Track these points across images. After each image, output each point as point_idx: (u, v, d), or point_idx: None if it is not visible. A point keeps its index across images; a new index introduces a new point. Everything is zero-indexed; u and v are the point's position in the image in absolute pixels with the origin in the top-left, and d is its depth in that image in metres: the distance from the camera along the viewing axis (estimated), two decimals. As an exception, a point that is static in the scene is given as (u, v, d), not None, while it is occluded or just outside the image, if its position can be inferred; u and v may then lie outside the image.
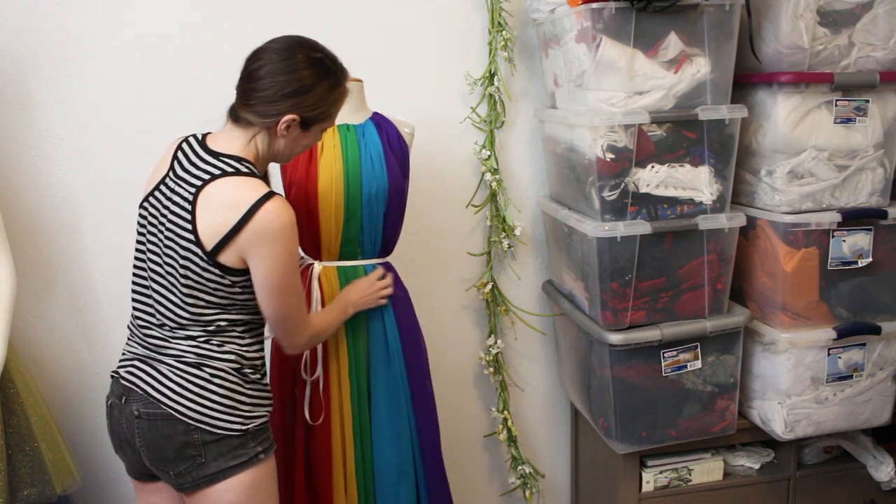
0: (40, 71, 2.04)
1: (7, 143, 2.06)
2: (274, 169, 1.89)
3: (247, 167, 1.45)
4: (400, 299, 1.87)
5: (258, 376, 1.54)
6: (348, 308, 1.74)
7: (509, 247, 2.34)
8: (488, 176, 2.27)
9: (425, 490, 1.89)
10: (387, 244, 1.87)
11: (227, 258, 1.41)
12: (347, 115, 1.85)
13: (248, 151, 1.48)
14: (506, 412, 2.39)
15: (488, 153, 2.27)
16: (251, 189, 1.41)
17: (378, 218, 1.81)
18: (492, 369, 2.38)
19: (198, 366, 1.47)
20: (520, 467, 2.40)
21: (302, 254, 1.89)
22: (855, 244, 1.98)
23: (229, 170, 1.43)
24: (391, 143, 1.84)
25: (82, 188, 2.12)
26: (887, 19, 1.91)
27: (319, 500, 1.83)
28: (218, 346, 1.48)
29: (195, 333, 1.48)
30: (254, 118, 1.45)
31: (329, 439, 1.81)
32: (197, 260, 1.42)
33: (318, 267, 1.83)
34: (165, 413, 1.45)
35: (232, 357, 1.48)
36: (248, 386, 1.50)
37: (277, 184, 1.87)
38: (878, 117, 1.96)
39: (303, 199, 1.77)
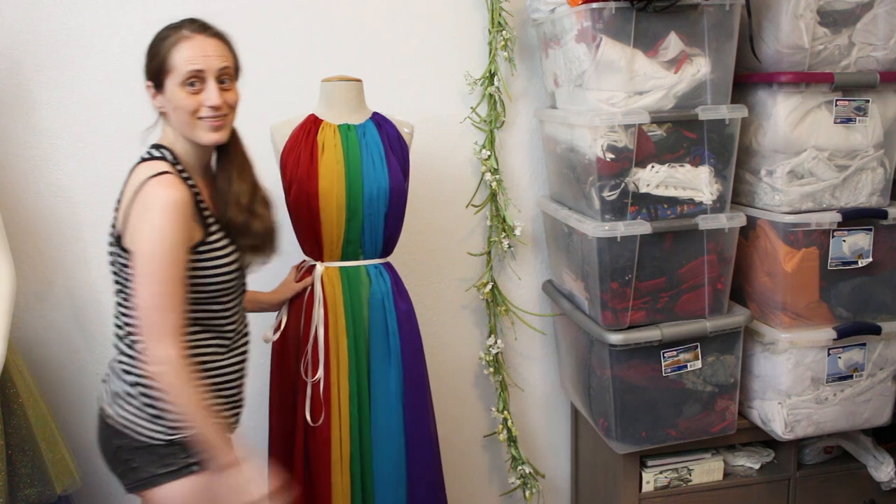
0: (41, 71, 2.04)
1: (7, 143, 2.06)
2: (274, 168, 1.89)
3: (161, 152, 1.46)
4: (401, 301, 1.86)
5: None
6: (216, 446, 1.41)
7: (509, 247, 2.34)
8: (488, 176, 2.27)
9: (422, 492, 1.89)
10: (387, 244, 1.86)
11: (127, 241, 1.41)
12: (347, 114, 1.85)
13: (165, 138, 1.50)
14: (506, 412, 2.39)
15: (488, 153, 2.27)
16: (146, 171, 1.42)
17: (379, 218, 1.81)
18: (492, 369, 2.38)
19: (126, 371, 1.48)
20: (520, 467, 2.40)
21: (304, 256, 1.90)
22: (855, 244, 1.98)
23: (146, 157, 1.46)
24: (391, 143, 1.84)
25: (82, 188, 2.12)
26: (887, 19, 1.91)
27: (318, 501, 1.83)
28: (142, 350, 1.45)
29: (130, 334, 1.48)
30: None
31: (328, 440, 1.80)
32: (114, 246, 1.45)
33: (320, 268, 1.83)
34: (102, 415, 1.50)
35: None
36: None
37: (277, 184, 1.87)
38: (878, 117, 1.96)
39: (304, 199, 1.77)
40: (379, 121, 1.87)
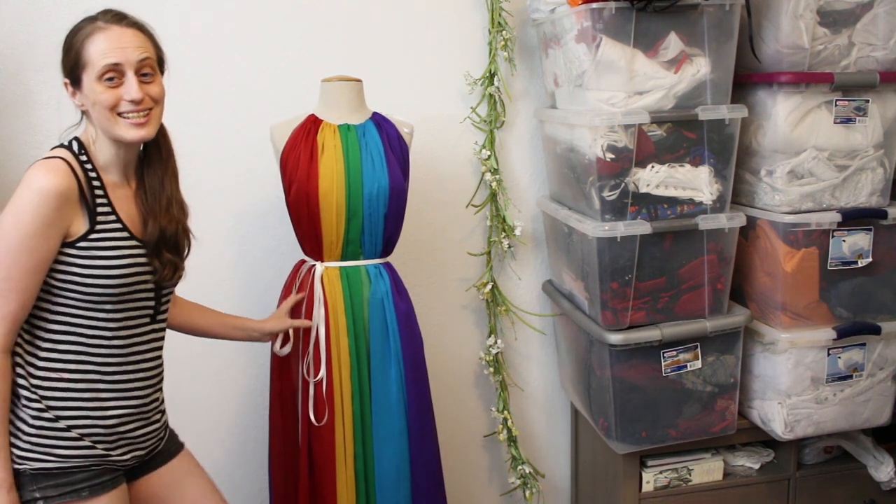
0: (40, 71, 2.04)
1: (7, 143, 2.06)
2: (274, 169, 1.89)
3: (69, 142, 1.39)
4: (401, 301, 1.87)
5: (46, 405, 1.35)
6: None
7: (509, 247, 2.34)
8: (488, 176, 2.27)
9: (424, 490, 1.89)
10: (387, 244, 1.87)
11: None
12: (347, 114, 1.85)
13: (85, 134, 1.42)
14: (506, 412, 2.39)
15: (488, 153, 2.27)
16: (43, 155, 1.36)
17: (378, 218, 1.81)
18: (492, 369, 2.38)
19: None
20: (520, 467, 2.40)
21: (304, 255, 1.89)
22: (855, 244, 1.98)
23: (55, 145, 1.40)
24: (391, 143, 1.84)
25: (82, 188, 2.11)
26: (887, 19, 1.91)
27: (322, 499, 1.83)
28: (13, 356, 1.36)
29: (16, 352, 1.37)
30: None
31: (332, 439, 1.81)
32: None
33: (320, 268, 1.83)
34: None
35: (17, 375, 1.35)
36: (32, 417, 1.34)
37: (277, 184, 1.88)
38: (877, 117, 1.96)
39: (304, 199, 1.77)
40: (379, 121, 1.87)
